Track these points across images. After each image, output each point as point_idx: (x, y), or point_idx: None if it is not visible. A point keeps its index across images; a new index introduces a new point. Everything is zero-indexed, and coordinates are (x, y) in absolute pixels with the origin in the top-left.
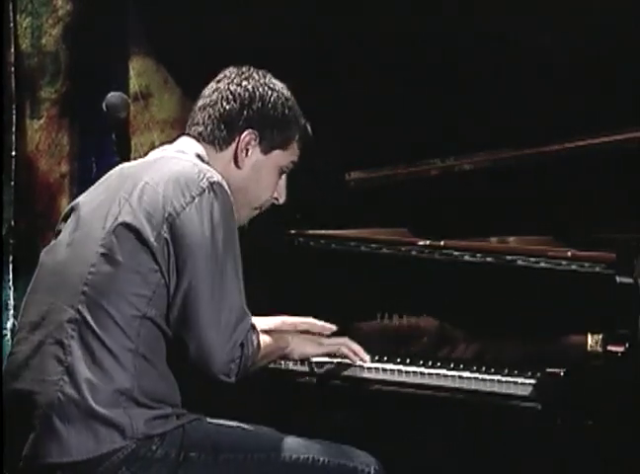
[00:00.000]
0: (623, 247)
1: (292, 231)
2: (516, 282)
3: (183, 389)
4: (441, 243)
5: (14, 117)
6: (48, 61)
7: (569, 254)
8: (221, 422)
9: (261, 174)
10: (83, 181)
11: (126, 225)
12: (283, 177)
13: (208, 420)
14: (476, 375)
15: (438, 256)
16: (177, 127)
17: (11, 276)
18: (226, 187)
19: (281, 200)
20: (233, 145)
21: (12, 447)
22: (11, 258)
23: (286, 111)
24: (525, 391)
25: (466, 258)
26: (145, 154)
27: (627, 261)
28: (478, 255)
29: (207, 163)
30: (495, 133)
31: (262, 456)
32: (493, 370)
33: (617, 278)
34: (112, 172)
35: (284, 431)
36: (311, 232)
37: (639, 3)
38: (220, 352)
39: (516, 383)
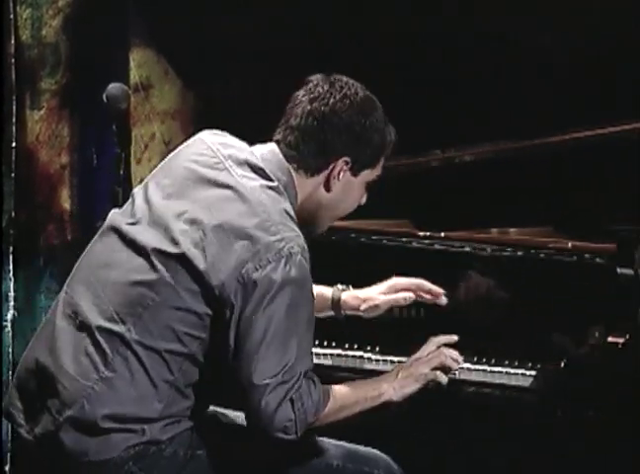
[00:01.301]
0: (624, 238)
1: None
2: (516, 274)
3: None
4: (442, 234)
5: (14, 108)
6: (49, 52)
7: (570, 245)
8: (233, 420)
9: (348, 194)
10: (83, 172)
11: (196, 270)
12: None
13: (220, 418)
14: (476, 367)
15: (438, 247)
16: (177, 118)
17: (11, 266)
18: (306, 255)
19: (362, 202)
20: (326, 172)
21: (27, 416)
22: (11, 249)
23: (378, 137)
24: (526, 382)
25: (467, 249)
26: (146, 146)
27: (628, 252)
28: (479, 246)
29: (295, 190)
30: (495, 134)
31: (272, 457)
32: (493, 362)
33: (618, 270)
34: (184, 166)
35: None
36: None
37: (639, 3)
38: (266, 414)
39: (516, 374)
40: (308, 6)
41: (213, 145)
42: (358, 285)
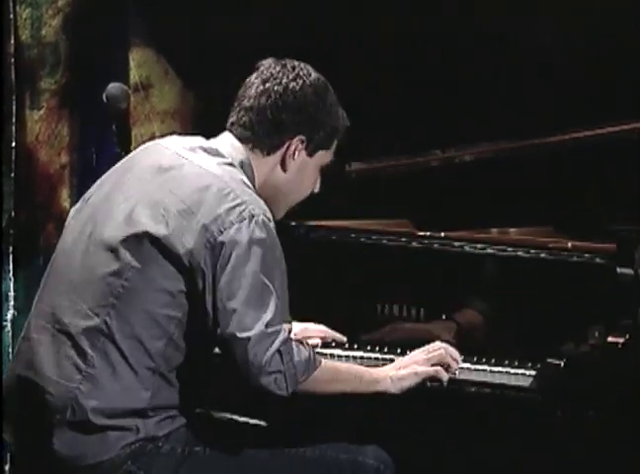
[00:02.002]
0: (624, 238)
1: (293, 223)
2: (516, 274)
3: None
4: (442, 234)
5: (14, 108)
6: (48, 52)
7: (569, 245)
8: (228, 416)
9: (304, 175)
10: (83, 172)
11: (163, 246)
12: None
13: (215, 414)
14: (476, 367)
15: (438, 247)
16: (177, 118)
17: (11, 266)
18: (269, 215)
19: (316, 190)
20: (282, 150)
21: (19, 434)
22: (11, 249)
23: (332, 118)
24: (526, 382)
25: (467, 249)
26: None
27: (628, 252)
28: (478, 246)
29: (251, 168)
30: (495, 134)
31: (268, 451)
32: (493, 362)
33: (618, 270)
34: (139, 159)
35: (294, 424)
36: (311, 223)
37: (639, 3)
38: (255, 364)
39: (516, 374)
40: (308, 6)
41: (167, 143)
42: (357, 285)
